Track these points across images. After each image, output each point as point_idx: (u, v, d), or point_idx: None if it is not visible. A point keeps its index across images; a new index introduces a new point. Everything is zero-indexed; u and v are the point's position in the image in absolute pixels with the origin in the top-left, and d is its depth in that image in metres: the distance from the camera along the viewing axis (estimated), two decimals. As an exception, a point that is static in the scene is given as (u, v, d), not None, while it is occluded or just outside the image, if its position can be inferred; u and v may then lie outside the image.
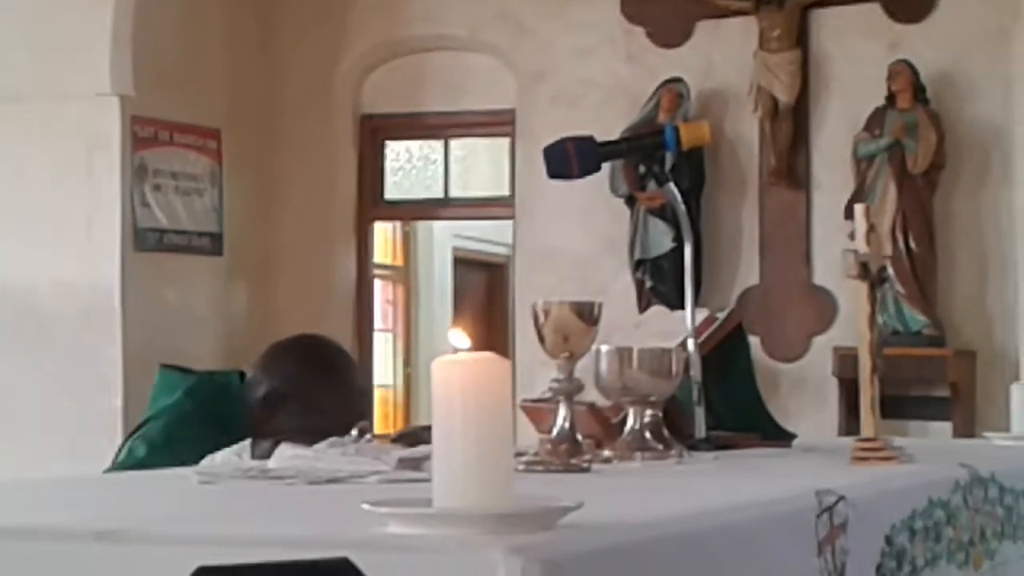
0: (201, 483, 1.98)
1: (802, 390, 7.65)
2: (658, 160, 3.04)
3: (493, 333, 9.37)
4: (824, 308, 7.67)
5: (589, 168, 2.93)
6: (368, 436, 2.26)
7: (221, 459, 2.62)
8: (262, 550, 1.25)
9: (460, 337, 1.41)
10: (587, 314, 2.44)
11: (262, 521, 1.56)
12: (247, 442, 2.84)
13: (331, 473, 2.04)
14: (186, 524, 1.51)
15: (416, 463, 2.11)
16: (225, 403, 3.09)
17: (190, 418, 3.04)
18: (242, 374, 3.20)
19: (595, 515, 1.45)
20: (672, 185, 3.00)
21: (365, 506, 1.37)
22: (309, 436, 2.96)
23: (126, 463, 2.95)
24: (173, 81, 7.58)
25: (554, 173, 2.93)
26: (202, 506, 1.76)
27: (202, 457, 2.71)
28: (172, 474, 2.13)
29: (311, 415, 3.04)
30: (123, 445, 3.09)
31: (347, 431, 2.96)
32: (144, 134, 7.57)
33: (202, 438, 2.89)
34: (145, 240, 7.48)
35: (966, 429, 7.08)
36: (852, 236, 6.55)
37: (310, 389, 3.14)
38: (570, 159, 2.90)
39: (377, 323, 9.78)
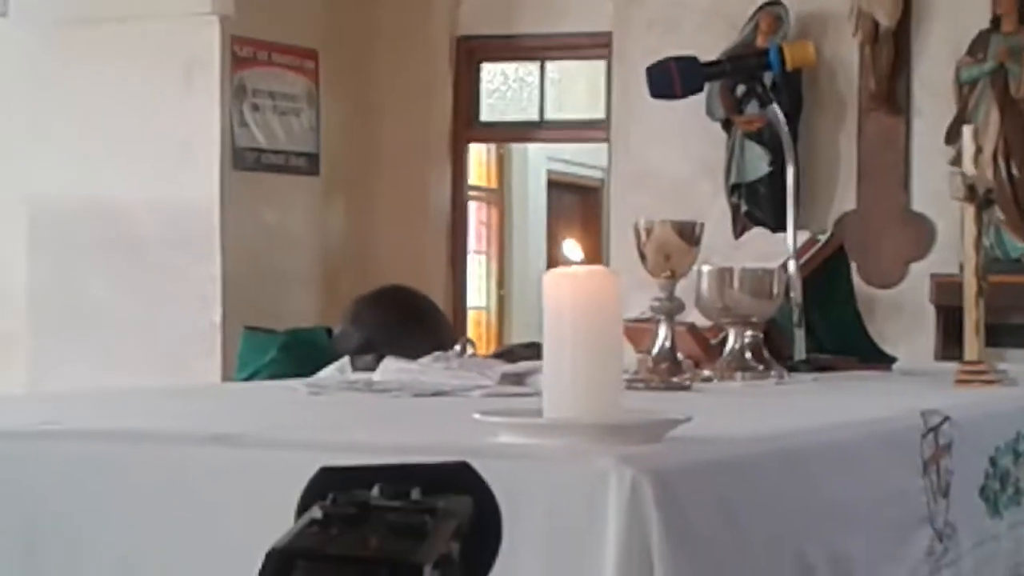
0: (311, 394, 2.01)
1: (898, 317, 7.59)
2: (759, 81, 3.00)
3: (586, 256, 9.35)
4: (922, 235, 7.59)
5: (692, 88, 2.92)
6: (471, 351, 2.28)
7: (325, 376, 2.64)
8: (379, 456, 1.28)
9: (574, 249, 1.42)
10: (689, 233, 2.45)
11: (374, 429, 1.59)
12: (346, 359, 2.87)
13: (436, 386, 2.07)
14: (302, 431, 1.53)
15: (519, 378, 2.13)
16: (317, 358, 3.11)
17: (286, 375, 3.07)
18: (328, 330, 3.22)
19: (702, 430, 1.46)
20: (775, 106, 2.98)
21: (477, 416, 1.39)
22: None
23: None
24: (272, 2, 7.60)
25: (657, 92, 2.92)
26: (314, 415, 1.79)
27: None
28: (281, 385, 2.17)
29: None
30: None
31: None
32: (243, 54, 7.61)
33: None
34: (243, 159, 7.54)
35: (1065, 358, 7.00)
36: (953, 161, 6.49)
37: (402, 336, 3.14)
38: (673, 78, 2.89)
39: (471, 245, 9.81)
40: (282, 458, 1.32)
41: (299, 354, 3.12)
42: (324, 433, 1.49)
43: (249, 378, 3.07)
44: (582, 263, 1.43)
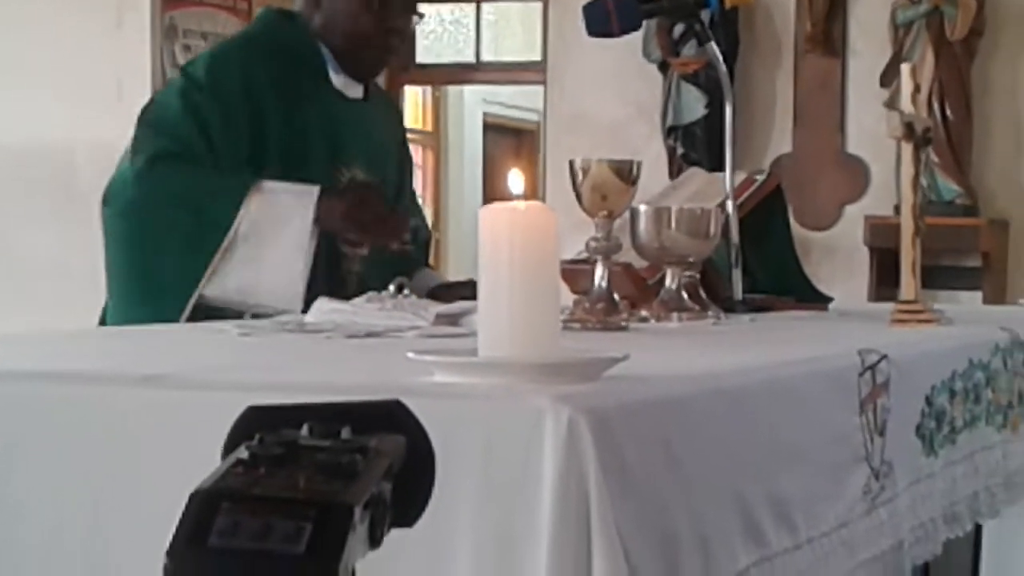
0: (241, 335, 1.98)
1: (833, 259, 7.62)
2: (697, 19, 2.98)
3: (526, 193, 9.32)
4: (856, 177, 7.62)
5: (630, 25, 2.89)
6: (406, 291, 2.25)
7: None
8: (310, 396, 1.25)
9: (516, 180, 1.39)
10: (626, 173, 2.43)
11: (306, 370, 1.56)
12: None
13: (369, 327, 2.04)
14: (230, 372, 1.50)
15: (454, 318, 2.11)
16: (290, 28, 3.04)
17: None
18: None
19: (640, 369, 1.44)
20: (714, 44, 2.95)
21: (410, 355, 1.36)
22: (354, 12, 2.92)
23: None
24: (203, -60, 7.50)
25: (594, 30, 2.89)
26: (245, 356, 1.75)
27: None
28: (210, 327, 2.13)
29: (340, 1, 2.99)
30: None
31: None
32: (174, -6, 7.51)
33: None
34: (175, 101, 7.45)
35: (997, 299, 7.05)
36: (888, 103, 6.50)
37: None
38: (610, 16, 2.86)
39: (406, 188, 9.75)
40: (210, 399, 1.29)
41: (270, 20, 3.07)
42: (253, 373, 1.46)
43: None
44: (523, 197, 1.40)
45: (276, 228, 2.70)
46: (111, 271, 2.84)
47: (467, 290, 2.81)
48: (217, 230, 2.72)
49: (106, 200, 2.80)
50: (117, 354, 1.75)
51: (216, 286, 2.71)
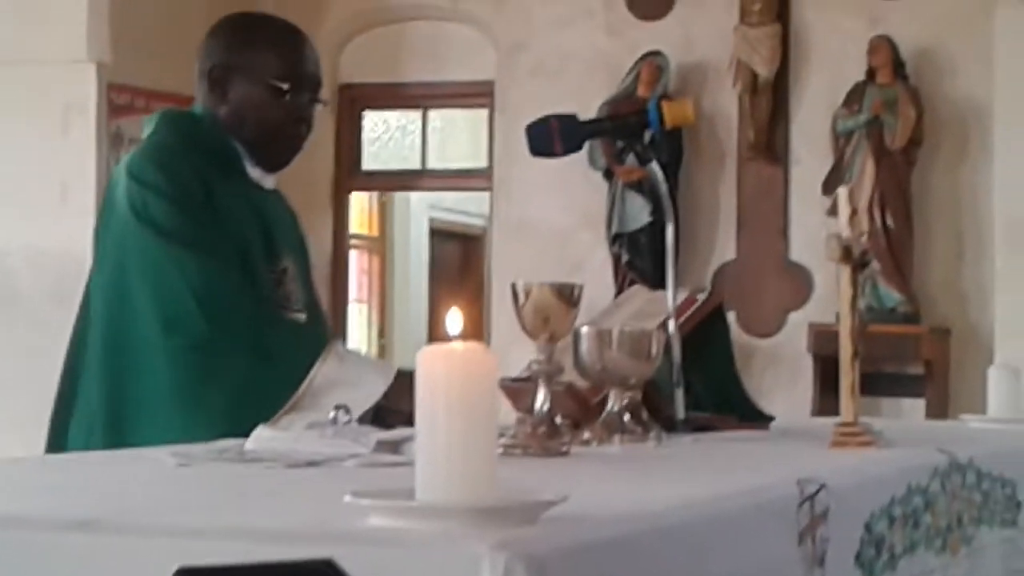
0: (179, 466, 1.96)
1: (777, 366, 7.67)
2: (638, 139, 3.01)
3: (469, 305, 9.35)
4: (800, 284, 7.68)
5: (572, 146, 2.92)
6: (347, 418, 2.24)
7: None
8: (241, 543, 1.24)
9: (455, 320, 1.40)
10: (568, 296, 2.43)
11: (241, 509, 1.55)
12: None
13: (310, 456, 2.03)
14: (165, 514, 1.49)
15: (395, 446, 2.10)
16: (193, 123, 2.98)
17: (168, 145, 2.91)
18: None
19: (579, 507, 1.44)
20: (655, 164, 2.99)
21: (347, 498, 1.36)
22: (262, 104, 2.90)
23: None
24: (150, 48, 7.52)
25: (537, 151, 2.91)
26: (181, 492, 1.74)
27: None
28: (147, 455, 2.11)
29: (256, 77, 2.95)
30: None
31: (302, 86, 2.92)
32: (120, 101, 7.53)
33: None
34: (120, 208, 7.44)
35: (940, 407, 7.11)
36: (830, 212, 6.60)
37: (244, 48, 2.98)
38: (554, 137, 2.89)
39: (352, 293, 9.77)
40: (145, 546, 1.28)
41: (176, 120, 3.00)
42: (189, 516, 1.45)
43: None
44: (461, 337, 1.41)
45: (347, 389, 2.64)
46: (150, 391, 2.74)
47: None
48: (292, 388, 2.68)
49: (171, 328, 2.73)
50: (50, 489, 1.73)
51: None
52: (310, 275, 3.15)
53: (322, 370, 2.71)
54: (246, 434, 2.20)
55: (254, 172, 2.99)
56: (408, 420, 2.39)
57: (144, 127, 3.00)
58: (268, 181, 3.03)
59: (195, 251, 2.76)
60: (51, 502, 1.58)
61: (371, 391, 2.62)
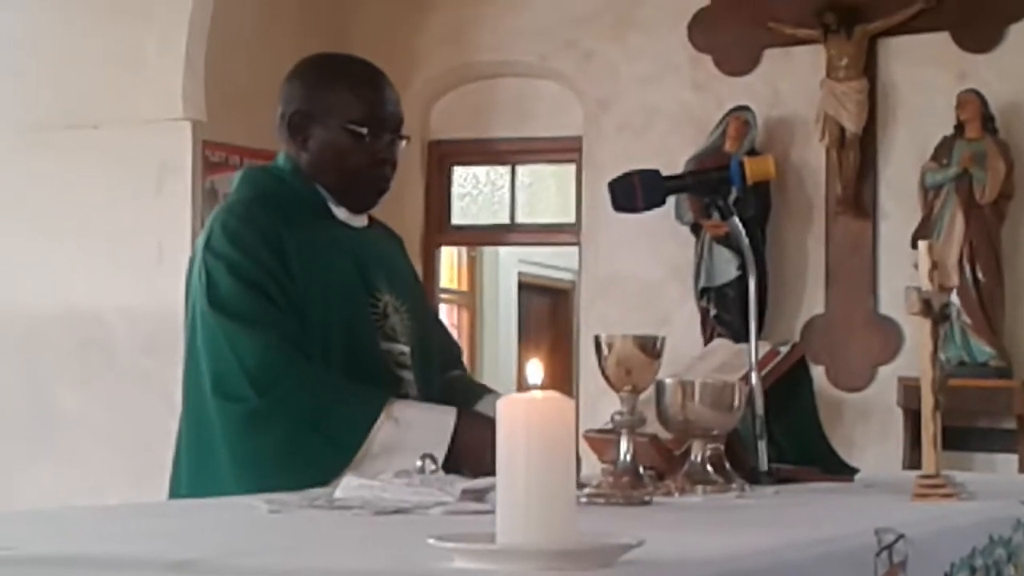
0: (270, 512, 2.02)
1: (867, 420, 7.63)
2: (721, 195, 3.05)
3: (558, 358, 9.40)
4: (889, 338, 7.64)
5: (654, 202, 2.96)
6: (433, 467, 2.29)
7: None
8: (330, 583, 1.29)
9: (535, 371, 1.45)
10: (650, 348, 2.47)
11: (330, 552, 1.60)
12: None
13: (396, 504, 2.08)
14: (259, 556, 1.55)
15: (479, 495, 2.14)
16: (276, 178, 3.03)
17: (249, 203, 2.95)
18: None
19: (655, 552, 1.48)
20: (736, 219, 3.01)
21: (431, 541, 1.40)
22: (342, 150, 2.93)
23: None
24: (243, 106, 7.66)
25: (619, 206, 2.96)
26: (273, 536, 1.80)
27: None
28: (240, 502, 2.17)
29: (335, 122, 2.98)
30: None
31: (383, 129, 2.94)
32: (215, 159, 7.67)
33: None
34: (215, 264, 7.55)
35: (1033, 461, 7.03)
36: (917, 266, 6.50)
37: (324, 90, 3.01)
38: (635, 192, 2.94)
39: (443, 347, 9.81)
40: (236, 586, 1.33)
41: (256, 178, 3.05)
42: (281, 558, 1.51)
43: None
44: (542, 387, 1.46)
45: (404, 455, 2.61)
46: (211, 449, 2.83)
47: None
48: (344, 455, 2.72)
49: (218, 390, 2.79)
50: (148, 535, 1.79)
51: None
52: (421, 306, 3.16)
53: (378, 437, 2.74)
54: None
55: (340, 212, 3.02)
56: (480, 458, 2.47)
57: (232, 184, 3.08)
58: (357, 220, 3.07)
59: (248, 326, 2.80)
60: (146, 546, 1.65)
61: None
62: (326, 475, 2.58)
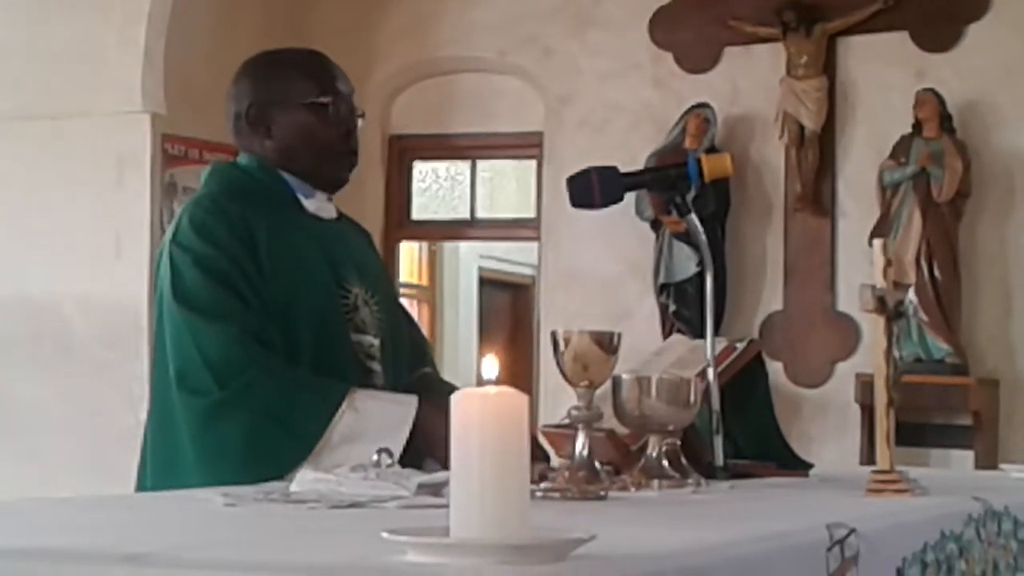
0: (226, 505, 2.02)
1: (825, 416, 7.68)
2: (678, 192, 3.06)
3: (518, 353, 9.41)
4: (847, 335, 7.69)
5: (612, 199, 2.97)
6: (389, 461, 2.30)
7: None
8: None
9: (491, 366, 1.45)
10: (607, 344, 2.48)
11: (283, 546, 1.61)
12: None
13: (352, 498, 2.09)
14: (213, 549, 1.55)
15: (436, 489, 2.15)
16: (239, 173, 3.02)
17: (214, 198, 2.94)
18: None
19: (608, 546, 1.49)
20: (693, 216, 3.03)
21: (385, 535, 1.41)
22: (308, 126, 2.94)
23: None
24: (203, 99, 7.63)
25: (577, 203, 2.97)
26: (228, 530, 1.80)
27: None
28: (197, 495, 2.18)
29: (294, 103, 2.99)
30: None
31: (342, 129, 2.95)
32: (174, 152, 7.65)
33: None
34: (173, 257, 7.52)
35: (988, 458, 7.09)
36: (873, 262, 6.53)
37: (272, 81, 3.03)
38: (593, 189, 2.95)
39: (402, 342, 9.81)
40: (191, 579, 1.34)
41: (223, 172, 3.03)
42: (235, 552, 1.51)
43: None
44: (497, 382, 1.47)
45: (365, 444, 2.64)
46: (177, 439, 2.83)
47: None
48: (305, 446, 2.72)
49: (181, 383, 2.78)
50: (101, 527, 1.79)
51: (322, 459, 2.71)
52: (391, 299, 3.16)
53: (338, 427, 2.75)
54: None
55: (310, 204, 3.02)
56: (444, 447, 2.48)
57: (200, 179, 3.07)
58: (326, 212, 3.07)
59: (212, 319, 2.79)
60: (100, 538, 1.65)
61: (391, 444, 2.64)
62: (287, 467, 2.59)
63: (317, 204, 3.03)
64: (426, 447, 2.72)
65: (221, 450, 2.73)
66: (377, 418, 2.78)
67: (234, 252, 2.84)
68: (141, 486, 2.88)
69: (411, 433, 2.76)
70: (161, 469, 2.85)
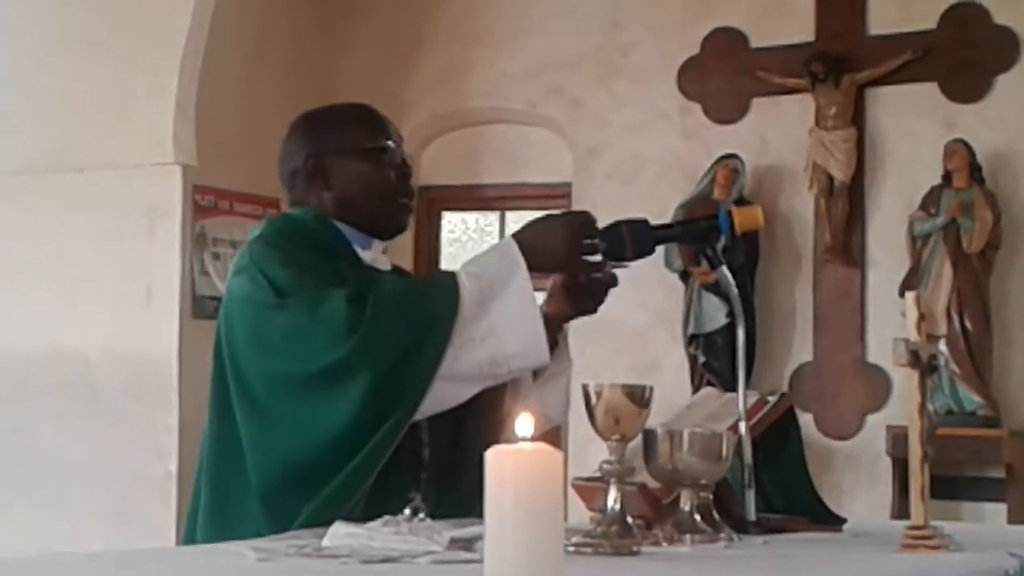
0: (259, 560, 2.01)
1: (856, 468, 7.63)
2: (709, 245, 3.06)
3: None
4: (878, 386, 7.65)
5: (642, 252, 2.97)
6: (421, 515, 2.29)
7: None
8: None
9: (525, 424, 1.45)
10: (639, 397, 2.47)
11: (317, 603, 1.60)
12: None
13: (384, 553, 2.08)
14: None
15: (468, 543, 2.14)
16: (300, 224, 2.95)
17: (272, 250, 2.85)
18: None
19: (643, 604, 1.47)
20: (725, 268, 3.02)
21: (418, 592, 1.40)
22: (366, 174, 2.93)
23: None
24: (234, 151, 7.68)
25: (607, 256, 2.97)
26: (258, 586, 1.79)
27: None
28: (230, 550, 2.17)
29: (349, 151, 2.98)
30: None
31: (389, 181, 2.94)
32: (204, 203, 7.68)
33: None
34: (204, 308, 7.57)
35: (1022, 511, 7.03)
36: (905, 315, 6.51)
37: (329, 134, 3.01)
38: (624, 242, 2.95)
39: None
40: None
41: (281, 221, 2.98)
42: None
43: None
44: (532, 439, 1.46)
45: (495, 295, 2.70)
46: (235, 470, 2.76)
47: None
48: (444, 324, 2.69)
49: (350, 329, 2.69)
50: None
51: (463, 364, 2.70)
52: None
53: (465, 298, 2.72)
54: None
55: (367, 256, 2.99)
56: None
57: (250, 234, 3.02)
58: (381, 263, 3.05)
59: (321, 292, 2.73)
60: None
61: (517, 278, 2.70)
62: (434, 348, 2.63)
63: (373, 255, 3.02)
64: (539, 263, 2.79)
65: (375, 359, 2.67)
66: (491, 268, 2.77)
67: (316, 258, 2.83)
68: (189, 531, 2.81)
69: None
70: (222, 502, 2.76)
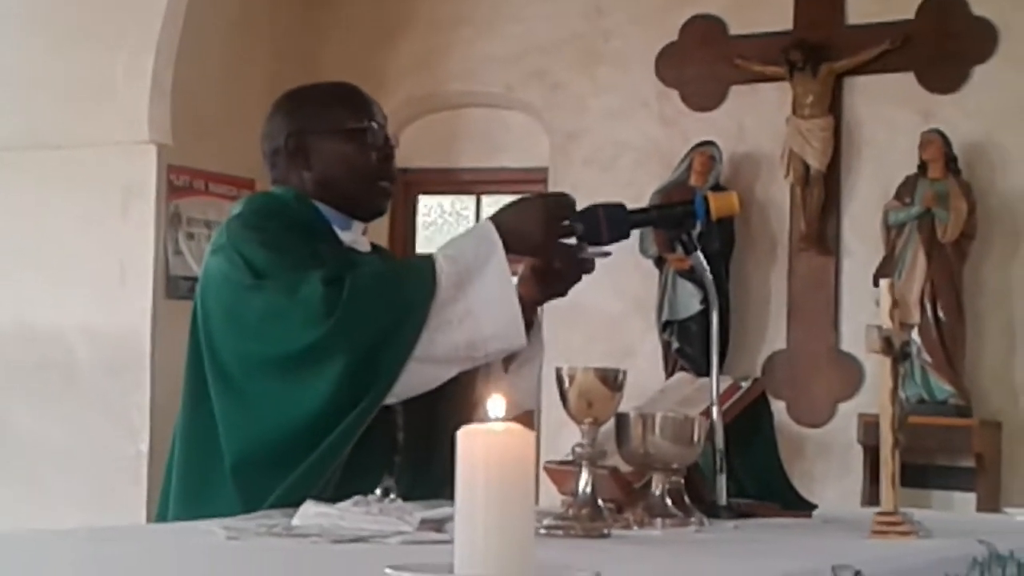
0: (228, 539, 2.01)
1: (827, 456, 7.65)
2: (684, 230, 3.06)
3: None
4: (850, 375, 7.68)
5: (618, 235, 2.97)
6: (392, 496, 2.29)
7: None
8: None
9: (497, 405, 1.45)
10: (612, 380, 2.47)
11: (286, 581, 1.60)
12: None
13: (355, 532, 2.08)
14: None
15: (439, 524, 2.14)
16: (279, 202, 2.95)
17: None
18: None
19: (612, 585, 1.48)
20: (699, 254, 3.02)
21: (388, 571, 1.40)
22: (348, 154, 2.92)
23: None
24: (209, 131, 7.66)
25: (584, 239, 2.97)
26: (230, 565, 1.79)
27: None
28: (200, 528, 2.16)
29: (332, 131, 2.96)
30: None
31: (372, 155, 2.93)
32: (179, 183, 7.66)
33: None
34: (177, 288, 7.56)
35: (990, 500, 7.06)
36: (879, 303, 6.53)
37: (313, 112, 2.99)
38: (600, 226, 2.95)
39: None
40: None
41: (261, 199, 2.98)
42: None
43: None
44: (503, 420, 1.46)
45: (473, 278, 2.69)
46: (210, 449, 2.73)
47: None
48: (421, 306, 2.68)
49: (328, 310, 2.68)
50: (103, 561, 1.78)
51: (439, 347, 2.69)
52: None
53: (443, 281, 2.70)
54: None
55: (346, 237, 2.98)
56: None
57: (229, 212, 3.00)
58: (361, 244, 3.03)
59: (297, 273, 2.72)
60: (101, 574, 1.64)
61: (494, 260, 2.70)
62: (410, 330, 2.62)
63: (353, 236, 3.00)
64: (516, 245, 2.79)
65: (340, 367, 2.64)
66: (469, 250, 2.76)
67: (295, 239, 2.82)
68: (161, 510, 2.79)
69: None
70: (194, 481, 2.74)
